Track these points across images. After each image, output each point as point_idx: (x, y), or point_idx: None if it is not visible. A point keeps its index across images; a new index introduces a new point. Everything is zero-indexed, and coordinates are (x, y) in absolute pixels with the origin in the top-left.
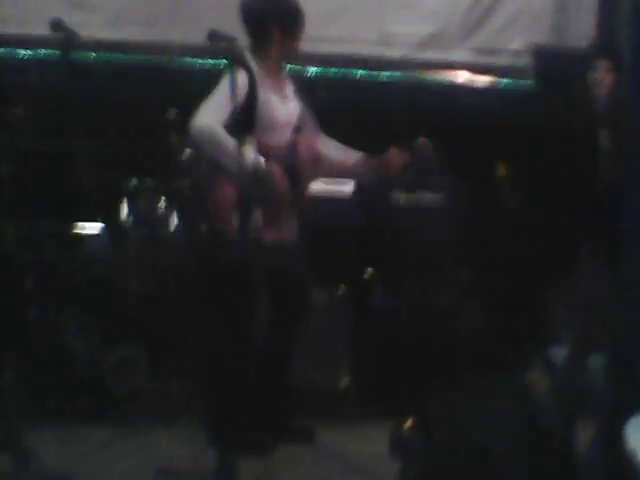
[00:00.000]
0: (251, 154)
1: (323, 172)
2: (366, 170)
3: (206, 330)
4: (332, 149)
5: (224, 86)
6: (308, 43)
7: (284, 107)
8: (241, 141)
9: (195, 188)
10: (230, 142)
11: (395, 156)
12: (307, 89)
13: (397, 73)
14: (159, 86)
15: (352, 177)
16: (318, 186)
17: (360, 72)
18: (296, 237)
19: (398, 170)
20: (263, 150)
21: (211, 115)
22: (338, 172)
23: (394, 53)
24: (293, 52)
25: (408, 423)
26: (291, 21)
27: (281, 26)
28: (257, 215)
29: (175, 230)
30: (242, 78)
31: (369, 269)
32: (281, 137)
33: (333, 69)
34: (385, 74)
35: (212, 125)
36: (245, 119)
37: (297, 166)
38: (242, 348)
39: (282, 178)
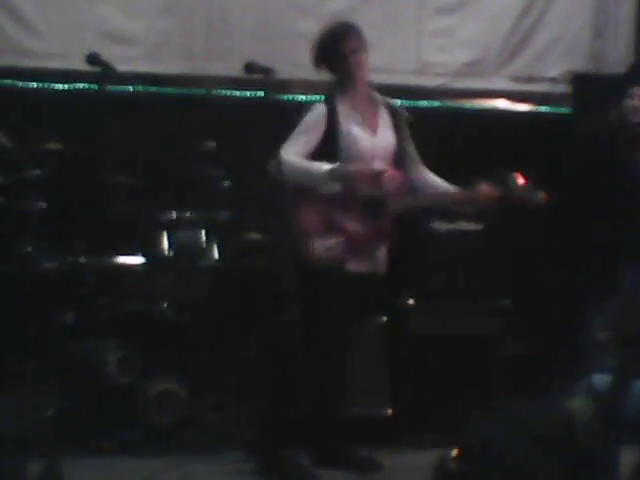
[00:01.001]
0: (326, 165)
1: (421, 204)
2: (459, 204)
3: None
4: (429, 182)
5: (303, 121)
6: None
7: (371, 139)
8: None
9: (280, 218)
10: (307, 163)
11: (487, 190)
12: (407, 119)
13: (435, 102)
14: (197, 118)
15: (446, 210)
16: None
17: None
18: (383, 268)
19: (489, 204)
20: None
21: (291, 149)
22: (430, 205)
23: (432, 82)
24: (366, 77)
25: (453, 452)
26: (359, 48)
27: (353, 55)
28: (341, 244)
29: (214, 261)
30: (320, 112)
31: (410, 298)
32: (366, 167)
33: None
34: (423, 103)
35: (290, 156)
36: (327, 151)
37: (383, 198)
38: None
39: (361, 173)
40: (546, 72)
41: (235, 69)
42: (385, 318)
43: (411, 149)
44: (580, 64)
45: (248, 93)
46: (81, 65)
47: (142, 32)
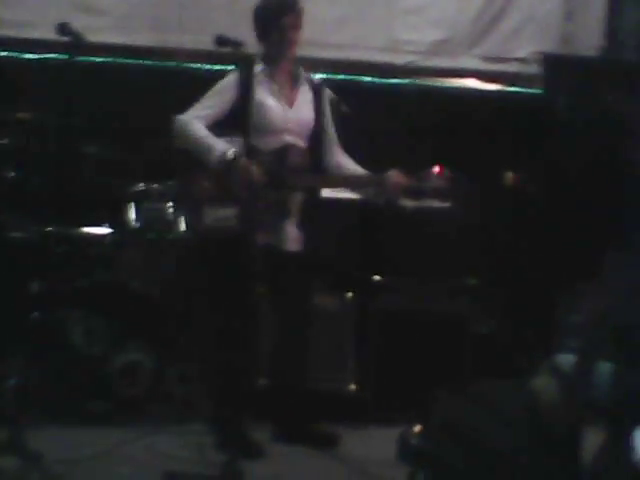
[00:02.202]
0: (222, 144)
1: (324, 184)
2: (367, 188)
3: (209, 334)
4: (345, 165)
5: (212, 88)
6: (316, 49)
7: (285, 112)
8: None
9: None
10: (202, 133)
11: (396, 178)
12: (331, 101)
13: (405, 80)
14: (166, 91)
15: (352, 192)
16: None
17: (368, 78)
18: (293, 243)
19: (398, 192)
20: (250, 151)
21: (192, 112)
22: (340, 185)
23: (402, 60)
24: (291, 53)
25: (416, 428)
26: (298, 24)
27: (292, 30)
28: (235, 214)
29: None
30: (231, 79)
31: (376, 275)
32: (275, 142)
33: (341, 75)
34: (393, 81)
35: (187, 118)
36: (237, 121)
37: (284, 173)
38: (246, 352)
39: (252, 171)
40: (516, 52)
41: (206, 42)
42: (350, 294)
43: (330, 129)
44: (551, 45)
45: (218, 66)
46: (51, 35)
47: (113, 3)
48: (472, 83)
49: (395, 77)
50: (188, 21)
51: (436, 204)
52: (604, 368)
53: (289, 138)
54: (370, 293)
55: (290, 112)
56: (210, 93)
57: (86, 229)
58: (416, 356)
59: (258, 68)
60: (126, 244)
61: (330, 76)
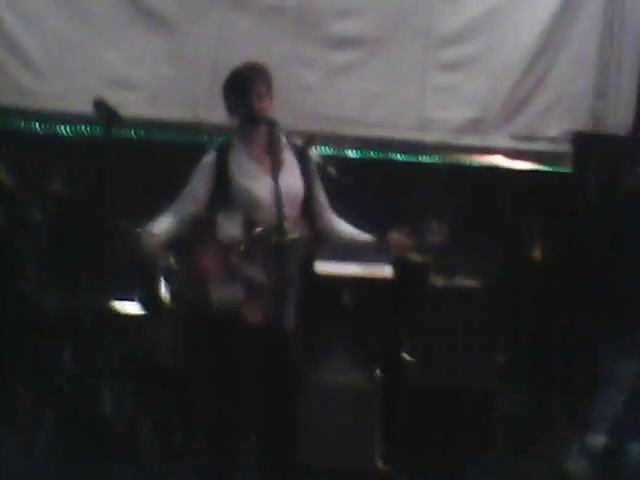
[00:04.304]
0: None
1: (327, 252)
2: (371, 251)
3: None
4: (340, 229)
5: (188, 182)
6: (348, 126)
7: (269, 187)
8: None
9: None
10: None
11: (398, 239)
12: (319, 167)
13: (435, 157)
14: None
15: (358, 257)
16: (351, 269)
17: (399, 156)
18: (287, 320)
19: (402, 252)
20: (247, 227)
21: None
22: (343, 252)
23: (432, 138)
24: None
25: None
26: (266, 92)
27: (258, 100)
28: (240, 294)
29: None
30: (205, 166)
31: (405, 353)
32: (268, 215)
33: (372, 152)
34: (424, 158)
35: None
36: (220, 199)
37: (283, 245)
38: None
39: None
40: (547, 131)
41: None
42: (380, 371)
43: (320, 195)
44: (581, 124)
45: None
46: (83, 107)
47: (146, 78)
48: (501, 161)
49: (425, 155)
50: (219, 96)
51: (466, 282)
52: (636, 449)
53: (279, 210)
54: (399, 370)
55: (276, 186)
56: (185, 191)
57: (117, 302)
58: (445, 433)
59: (233, 145)
60: (155, 317)
61: (362, 153)
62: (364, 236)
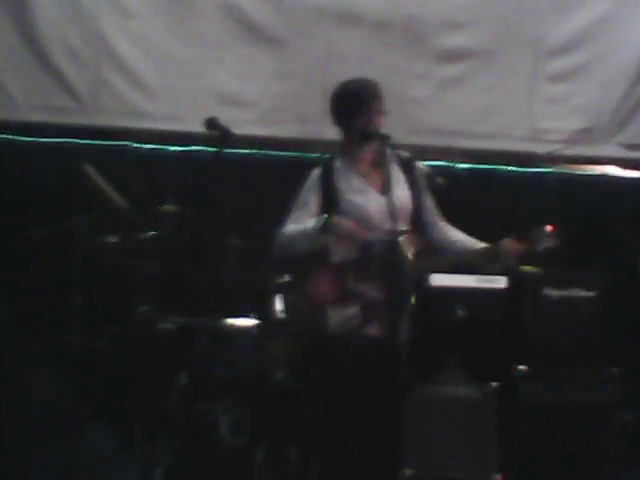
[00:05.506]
0: (311, 221)
1: (438, 263)
2: (483, 260)
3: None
4: (453, 237)
5: (298, 198)
6: (460, 139)
7: (379, 200)
8: None
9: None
10: (292, 229)
11: (510, 245)
12: (427, 178)
13: (546, 168)
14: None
15: (470, 267)
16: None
17: (510, 167)
18: (402, 335)
19: (515, 258)
20: (360, 245)
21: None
22: (455, 263)
23: (543, 149)
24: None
25: None
26: (383, 109)
27: (378, 116)
28: (357, 319)
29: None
30: (312, 184)
31: (521, 365)
32: (378, 230)
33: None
34: (535, 170)
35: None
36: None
37: (399, 261)
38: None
39: (352, 225)
40: None
41: None
42: (495, 383)
43: (430, 205)
44: None
45: None
46: (194, 127)
47: (258, 96)
48: (613, 170)
49: (537, 166)
50: (329, 112)
51: (580, 293)
52: None
53: (392, 224)
54: (515, 383)
55: (386, 200)
56: (296, 205)
57: (232, 320)
58: (561, 446)
59: (338, 161)
60: (271, 335)
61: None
62: (477, 243)
